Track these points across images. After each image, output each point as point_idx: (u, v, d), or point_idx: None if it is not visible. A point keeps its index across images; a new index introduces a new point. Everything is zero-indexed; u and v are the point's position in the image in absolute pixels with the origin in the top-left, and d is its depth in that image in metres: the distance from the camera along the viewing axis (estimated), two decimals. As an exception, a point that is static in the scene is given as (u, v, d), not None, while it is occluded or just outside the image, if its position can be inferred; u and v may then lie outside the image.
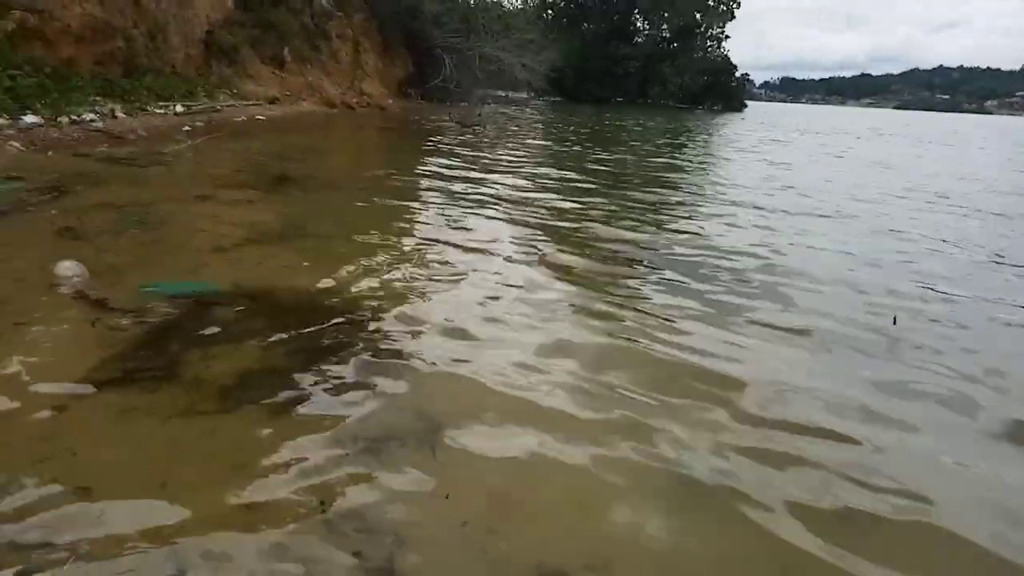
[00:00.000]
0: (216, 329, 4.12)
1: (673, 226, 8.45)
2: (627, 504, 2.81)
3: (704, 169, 15.66)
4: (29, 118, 12.00)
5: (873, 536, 2.75)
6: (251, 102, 22.29)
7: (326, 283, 5.14)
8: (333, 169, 11.71)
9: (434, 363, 3.93)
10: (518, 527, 2.62)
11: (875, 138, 34.78)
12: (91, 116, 13.69)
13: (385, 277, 5.42)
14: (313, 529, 2.49)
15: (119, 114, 14.77)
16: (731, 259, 6.82)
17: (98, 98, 15.33)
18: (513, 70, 37.14)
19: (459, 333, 4.39)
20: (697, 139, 25.52)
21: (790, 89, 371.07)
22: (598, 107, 51.00)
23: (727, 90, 70.56)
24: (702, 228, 8.36)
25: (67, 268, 4.69)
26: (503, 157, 14.94)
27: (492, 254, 6.42)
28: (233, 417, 3.18)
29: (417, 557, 2.39)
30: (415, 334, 4.33)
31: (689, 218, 9.08)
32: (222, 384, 3.46)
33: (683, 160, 17.17)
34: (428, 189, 10.09)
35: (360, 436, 3.12)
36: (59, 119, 12.68)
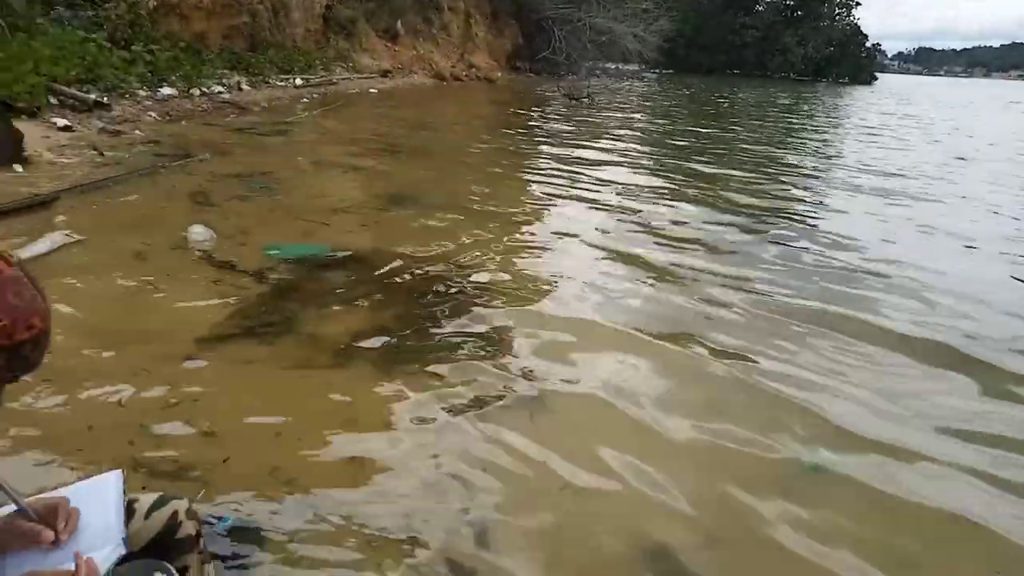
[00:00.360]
0: (330, 290, 4.30)
1: (784, 210, 8.08)
2: (735, 485, 2.74)
3: (824, 149, 14.86)
4: (165, 90, 12.82)
5: None
6: (365, 75, 22.93)
7: (433, 249, 5.25)
8: (441, 140, 11.90)
9: (536, 331, 3.95)
10: (617, 498, 2.61)
11: None
12: (219, 88, 14.49)
13: (491, 246, 5.48)
14: (418, 483, 2.57)
15: (244, 86, 15.55)
16: (839, 255, 6.46)
17: (225, 71, 16.18)
18: (624, 41, 36.37)
19: (561, 303, 4.39)
20: (818, 115, 24.22)
21: (926, 60, 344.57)
22: (712, 80, 49.23)
23: (855, 61, 66.05)
24: (813, 213, 7.95)
25: (198, 232, 5.00)
26: (609, 130, 14.73)
27: (595, 228, 6.35)
28: (345, 373, 3.31)
29: (514, 517, 2.42)
30: (518, 302, 4.36)
31: (802, 201, 8.66)
32: (336, 342, 3.60)
33: (800, 138, 16.36)
34: (534, 161, 10.10)
35: (463, 396, 3.18)
36: (191, 91, 13.48)
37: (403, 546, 2.24)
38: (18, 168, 6.87)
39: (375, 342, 3.65)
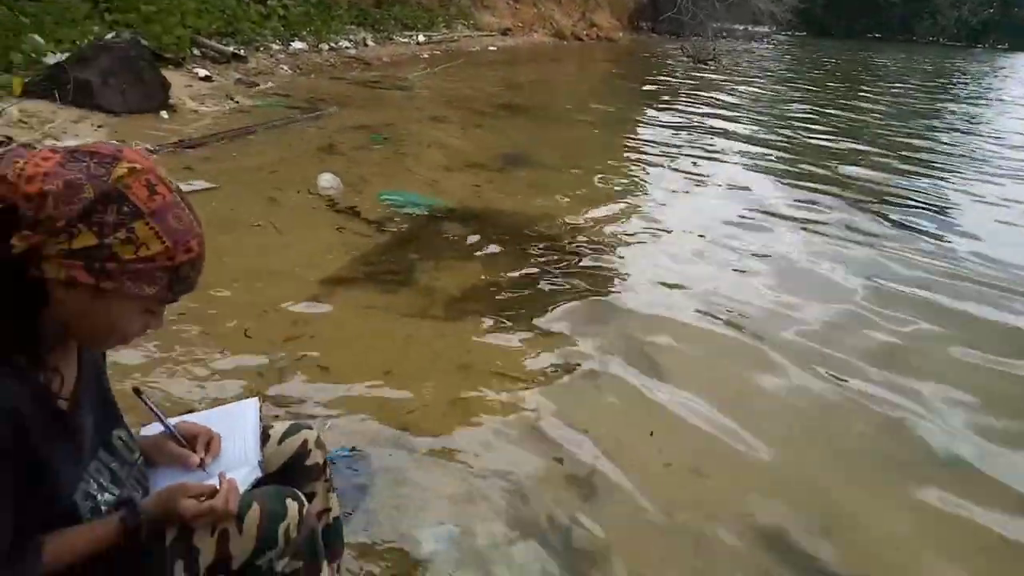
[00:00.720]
0: (446, 243, 4.40)
1: (917, 197, 7.51)
2: (851, 471, 2.62)
3: (974, 127, 13.65)
4: (296, 44, 13.32)
5: None
6: (485, 33, 22.93)
7: (546, 209, 5.25)
8: (559, 100, 11.80)
9: (648, 292, 3.90)
10: (729, 470, 2.55)
11: None
12: (346, 44, 14.91)
13: (603, 209, 5.42)
14: (522, 431, 2.60)
15: (369, 42, 15.93)
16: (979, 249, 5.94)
17: (352, 27, 16.60)
18: (756, 0, 34.53)
19: (674, 272, 4.30)
20: (973, 87, 22.19)
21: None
22: (850, 44, 45.98)
23: (1018, 25, 59.65)
24: (951, 201, 7.34)
25: (326, 179, 5.21)
26: (732, 96, 14.10)
27: (712, 197, 6.14)
28: (459, 324, 3.39)
29: (615, 482, 2.41)
30: (630, 263, 4.30)
31: (939, 186, 8.02)
32: (451, 293, 3.69)
33: (946, 113, 15.09)
34: (650, 125, 9.83)
35: (574, 356, 3.19)
36: (320, 46, 13.94)
37: (506, 493, 2.28)
38: (164, 114, 7.36)
39: (488, 296, 3.72)
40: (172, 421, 1.46)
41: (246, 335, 3.09)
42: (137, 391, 1.45)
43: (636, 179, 6.48)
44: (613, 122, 9.73)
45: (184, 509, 1.24)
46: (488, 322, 3.42)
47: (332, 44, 14.38)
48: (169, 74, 8.63)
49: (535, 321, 3.47)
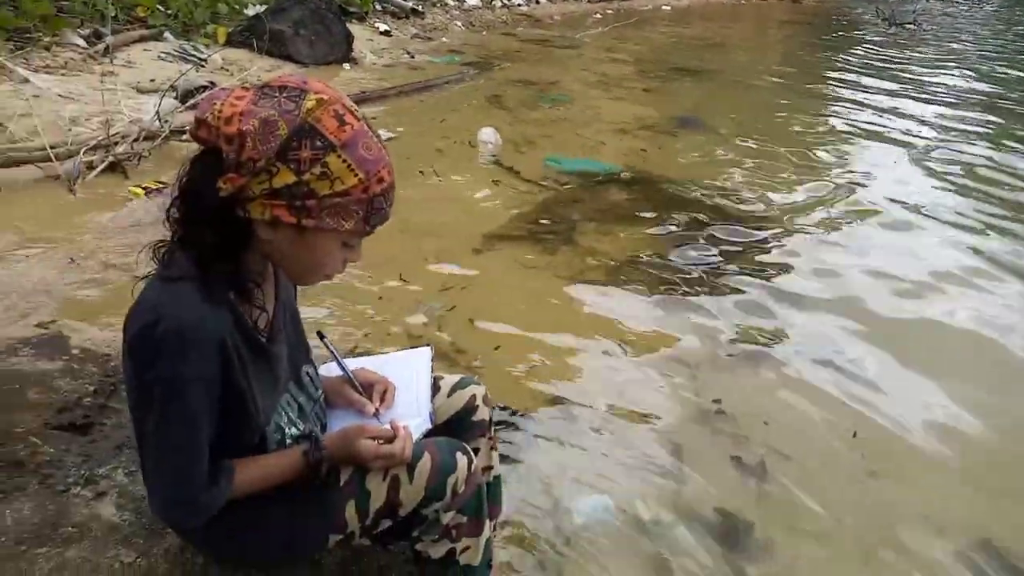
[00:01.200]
0: (610, 207, 4.29)
1: None
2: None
3: None
4: (471, 0, 13.48)
5: None
6: (659, -10, 22.08)
7: (720, 179, 4.99)
8: (734, 63, 11.11)
9: (821, 276, 3.61)
10: (913, 480, 2.31)
11: None
12: (519, 1, 14.89)
13: (778, 179, 5.07)
14: (686, 412, 2.50)
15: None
16: None
17: (526, -17, 16.54)
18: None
19: (862, 259, 3.91)
20: None
21: None
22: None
23: None
24: None
25: (487, 134, 5.24)
26: (933, 65, 12.68)
27: (897, 176, 5.52)
28: (619, 292, 3.31)
29: (788, 476, 2.25)
30: (805, 243, 4.00)
31: None
32: (611, 259, 3.61)
33: None
34: (834, 92, 9.03)
35: (745, 339, 3.01)
36: (493, 2, 14.02)
37: (666, 472, 2.20)
38: (347, 66, 7.70)
39: (651, 266, 3.59)
40: (350, 365, 1.50)
41: (401, 278, 3.19)
42: (320, 335, 1.50)
43: (814, 151, 5.98)
44: (790, 88, 9.04)
45: (364, 449, 1.27)
46: (652, 295, 3.30)
47: (505, 1, 14.41)
48: (354, 28, 9.03)
49: (703, 299, 3.30)
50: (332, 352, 1.48)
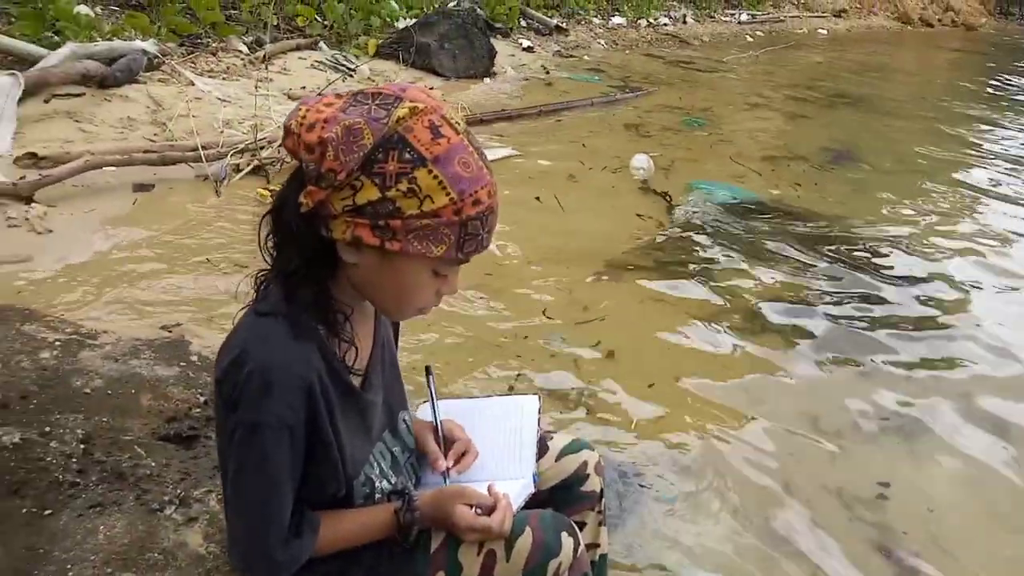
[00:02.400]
0: (753, 242, 3.97)
1: None
2: None
3: None
4: (616, 19, 13.32)
5: None
6: (816, 14, 21.02)
7: (875, 218, 4.55)
8: (894, 93, 10.28)
9: (996, 349, 3.14)
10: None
11: None
12: (665, 20, 14.57)
13: (943, 227, 4.54)
14: (823, 487, 2.20)
15: (689, 20, 15.41)
16: None
17: (674, 3, 16.20)
18: None
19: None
20: None
21: None
22: None
23: None
24: None
25: (639, 160, 5.02)
26: None
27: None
28: (757, 340, 3.01)
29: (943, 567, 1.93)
30: (975, 305, 3.53)
31: None
32: (752, 302, 3.31)
33: None
34: (1008, 133, 8.11)
35: (897, 402, 2.65)
36: (638, 21, 13.79)
37: (800, 560, 1.92)
38: (486, 80, 7.74)
39: (791, 312, 3.26)
40: (445, 408, 1.37)
41: (545, 314, 3.03)
42: (428, 370, 1.38)
43: (986, 196, 5.35)
44: (959, 124, 8.22)
45: (459, 517, 1.13)
46: (794, 347, 2.99)
47: (651, 20, 14.14)
48: (497, 43, 9.09)
49: (852, 354, 2.95)
50: (431, 392, 1.35)
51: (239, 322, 1.07)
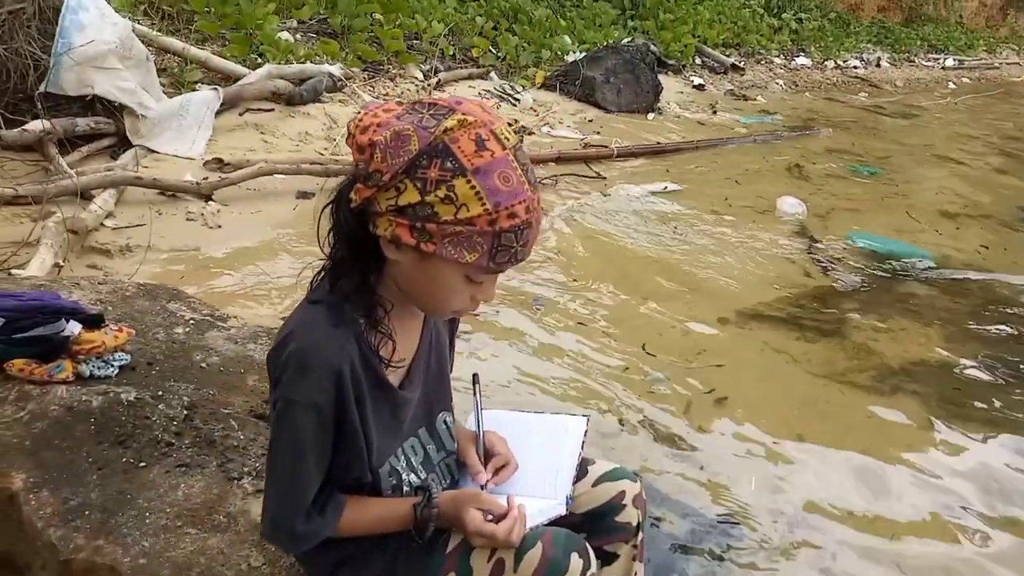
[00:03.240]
0: (905, 302, 3.66)
1: None
2: None
3: None
4: (800, 59, 12.77)
5: None
6: (1041, 61, 18.95)
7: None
8: None
9: None
10: None
11: None
12: (855, 62, 13.76)
13: None
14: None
15: (883, 63, 14.45)
16: None
17: (868, 45, 15.28)
18: None
19: None
20: None
21: None
22: None
23: None
24: None
25: (789, 203, 4.81)
26: None
27: None
28: (883, 401, 2.76)
29: None
30: None
31: None
32: (886, 363, 3.05)
33: None
34: None
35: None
36: (825, 62, 13.13)
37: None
38: (650, 116, 7.72)
39: (934, 377, 2.96)
40: (492, 418, 1.39)
41: (644, 349, 2.98)
42: (475, 378, 1.42)
43: None
44: None
45: (468, 519, 1.16)
46: (923, 410, 2.71)
47: (839, 62, 13.43)
48: (667, 79, 9.04)
49: (990, 427, 2.63)
50: (476, 400, 1.38)
51: (295, 309, 1.17)
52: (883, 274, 4.00)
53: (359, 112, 1.08)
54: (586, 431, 1.40)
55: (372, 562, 1.24)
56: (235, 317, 2.34)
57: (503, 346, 2.83)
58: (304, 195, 4.09)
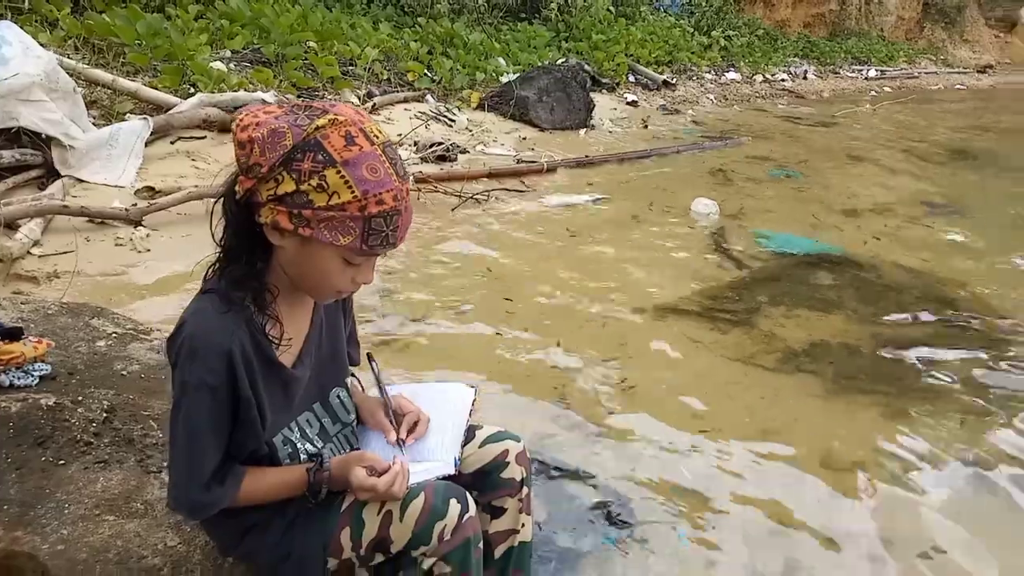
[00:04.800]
0: (809, 291, 3.90)
1: None
2: None
3: None
4: (730, 74, 13.30)
5: None
6: (956, 70, 20.01)
7: (963, 274, 4.30)
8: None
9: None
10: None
11: None
12: (783, 76, 14.38)
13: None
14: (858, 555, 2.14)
15: (810, 75, 15.12)
16: None
17: (795, 59, 15.96)
18: None
19: None
20: None
21: None
22: None
23: None
24: None
25: (702, 204, 5.06)
26: None
27: None
28: (788, 380, 2.96)
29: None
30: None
31: None
32: (790, 346, 3.25)
33: None
34: None
35: (927, 452, 2.53)
36: (754, 76, 13.69)
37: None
38: (582, 132, 7.98)
39: (836, 357, 3.17)
40: (393, 391, 1.52)
41: (559, 345, 3.13)
42: (370, 357, 1.55)
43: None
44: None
45: (353, 476, 1.28)
46: (824, 388, 2.92)
47: (768, 75, 14.02)
48: (601, 97, 9.36)
49: (887, 400, 2.84)
50: (376, 375, 1.51)
51: (192, 301, 1.29)
52: (791, 267, 4.24)
53: (241, 112, 1.20)
54: (474, 400, 1.54)
55: (273, 527, 1.35)
56: (158, 330, 2.42)
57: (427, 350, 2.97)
58: (236, 218, 4.16)
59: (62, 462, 1.65)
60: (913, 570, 2.02)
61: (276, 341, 1.28)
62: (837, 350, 3.26)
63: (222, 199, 1.24)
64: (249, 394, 1.24)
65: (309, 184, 1.13)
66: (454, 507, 1.28)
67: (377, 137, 1.18)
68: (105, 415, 1.81)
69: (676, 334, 3.31)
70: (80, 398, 1.84)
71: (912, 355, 3.24)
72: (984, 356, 3.27)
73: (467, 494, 1.32)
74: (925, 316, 3.67)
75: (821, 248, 4.59)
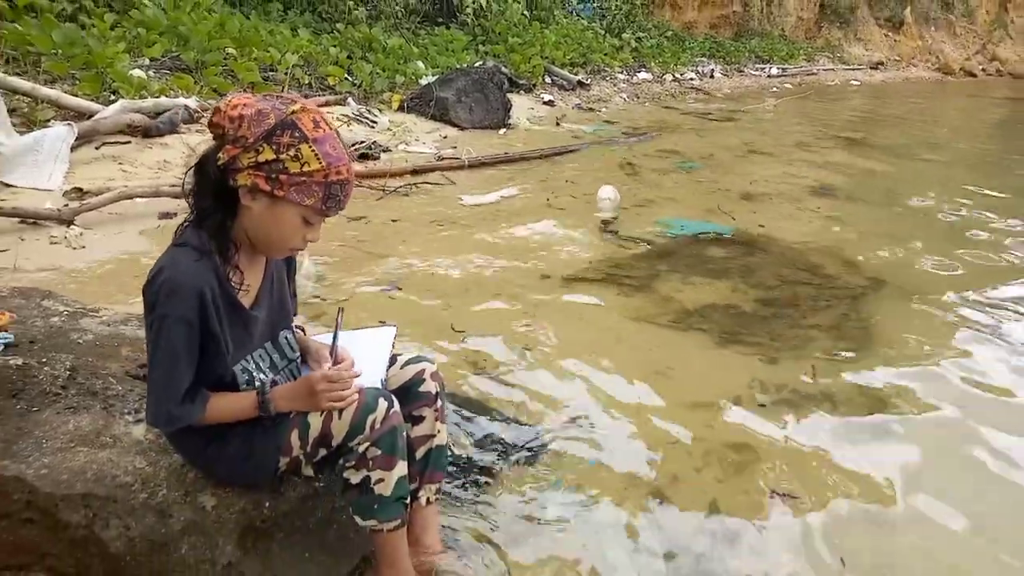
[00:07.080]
0: (702, 263, 4.36)
1: None
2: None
3: None
4: (642, 74, 13.95)
5: None
6: (851, 66, 21.36)
7: (838, 245, 4.85)
8: (912, 137, 10.48)
9: (911, 347, 3.41)
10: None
11: None
12: (691, 75, 15.15)
13: (901, 250, 4.81)
14: (719, 472, 2.54)
15: (716, 74, 15.95)
16: None
17: (702, 58, 16.80)
18: None
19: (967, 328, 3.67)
20: None
21: None
22: None
23: None
24: None
25: (606, 191, 5.48)
26: None
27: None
28: (680, 335, 3.38)
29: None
30: (910, 316, 3.80)
31: None
32: (684, 306, 3.68)
33: None
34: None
35: (793, 390, 2.97)
36: (664, 76, 14.40)
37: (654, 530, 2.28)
38: (501, 131, 8.35)
39: (724, 316, 3.62)
40: (342, 337, 1.82)
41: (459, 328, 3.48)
42: (340, 310, 1.83)
43: (971, 233, 5.56)
44: (977, 166, 8.42)
45: (312, 378, 1.59)
46: (712, 341, 3.34)
47: (676, 75, 14.73)
48: (519, 98, 9.77)
49: (766, 351, 3.27)
50: (336, 324, 1.78)
51: (163, 253, 1.56)
52: (687, 244, 4.71)
53: (228, 97, 1.50)
54: (395, 335, 1.86)
55: (231, 440, 1.63)
56: (106, 309, 2.64)
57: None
58: (166, 215, 4.35)
59: (35, 409, 1.88)
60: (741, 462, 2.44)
61: (238, 286, 1.57)
62: (723, 310, 3.70)
63: (196, 167, 1.53)
64: (217, 328, 1.52)
65: (287, 154, 1.45)
66: (382, 403, 1.60)
67: (331, 126, 1.52)
68: (69, 372, 2.04)
69: (583, 297, 3.71)
70: (44, 360, 2.06)
71: (786, 312, 3.71)
72: (845, 309, 3.77)
73: (392, 395, 1.65)
74: (801, 279, 4.16)
75: (716, 228, 5.07)
